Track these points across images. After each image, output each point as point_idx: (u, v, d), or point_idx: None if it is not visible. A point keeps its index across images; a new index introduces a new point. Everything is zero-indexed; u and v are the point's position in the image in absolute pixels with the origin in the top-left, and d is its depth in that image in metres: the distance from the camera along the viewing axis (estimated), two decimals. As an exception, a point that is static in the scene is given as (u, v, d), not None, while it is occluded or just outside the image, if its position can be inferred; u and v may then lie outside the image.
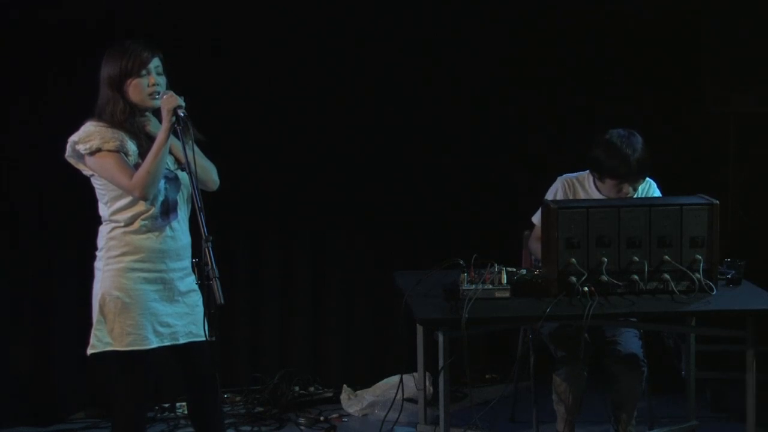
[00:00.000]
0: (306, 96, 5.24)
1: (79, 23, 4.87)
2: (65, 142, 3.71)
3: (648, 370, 4.24)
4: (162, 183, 3.68)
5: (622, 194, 4.29)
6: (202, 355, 3.78)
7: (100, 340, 3.68)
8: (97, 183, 3.71)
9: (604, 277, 3.92)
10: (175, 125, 3.61)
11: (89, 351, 3.71)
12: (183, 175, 3.72)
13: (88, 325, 4.90)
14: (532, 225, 4.50)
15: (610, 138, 4.26)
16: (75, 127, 3.74)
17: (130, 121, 3.69)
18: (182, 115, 3.61)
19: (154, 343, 3.68)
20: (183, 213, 3.78)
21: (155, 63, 3.70)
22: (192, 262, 3.76)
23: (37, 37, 4.87)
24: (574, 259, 3.92)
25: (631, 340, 4.24)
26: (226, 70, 5.10)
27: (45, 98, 4.91)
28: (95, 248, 3.81)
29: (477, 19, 5.33)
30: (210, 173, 3.81)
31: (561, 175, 4.49)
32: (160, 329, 3.70)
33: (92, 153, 3.63)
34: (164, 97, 3.65)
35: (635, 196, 4.33)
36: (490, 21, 5.34)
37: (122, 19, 4.90)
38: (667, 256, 3.95)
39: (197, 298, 3.78)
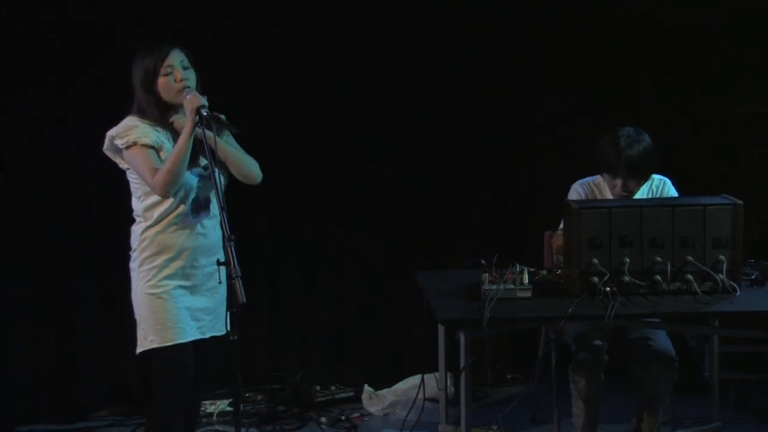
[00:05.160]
0: (324, 98, 5.24)
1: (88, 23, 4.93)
2: (91, 140, 3.75)
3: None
4: (195, 181, 3.72)
5: (621, 192, 4.24)
6: (213, 355, 3.84)
7: (145, 338, 3.74)
8: (132, 177, 3.76)
9: (627, 278, 3.90)
10: (198, 125, 3.64)
11: (138, 350, 3.77)
12: (217, 173, 3.72)
13: (111, 323, 4.99)
14: (554, 225, 4.49)
15: (614, 133, 4.24)
16: (97, 124, 3.77)
17: (170, 118, 3.72)
18: (205, 114, 3.64)
19: (191, 336, 3.74)
20: (216, 210, 3.80)
21: (179, 58, 3.72)
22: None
23: (66, 36, 4.92)
24: (596, 260, 3.90)
25: (663, 338, 4.22)
26: (246, 72, 5.11)
27: (69, 93, 4.95)
28: (119, 246, 3.85)
29: (497, 19, 5.32)
30: (252, 168, 3.84)
31: (577, 179, 4.47)
32: (194, 322, 3.76)
33: (128, 147, 3.66)
34: (187, 97, 3.67)
35: (638, 196, 4.31)
36: (508, 20, 5.33)
37: (121, 21, 4.93)
38: (690, 257, 3.92)
39: (223, 294, 3.81)
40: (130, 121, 3.73)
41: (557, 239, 4.25)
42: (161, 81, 3.70)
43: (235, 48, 5.04)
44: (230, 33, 5.05)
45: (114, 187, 3.92)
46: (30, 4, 4.88)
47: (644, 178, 4.27)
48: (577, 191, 4.43)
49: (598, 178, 4.40)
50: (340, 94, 5.24)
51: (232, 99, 5.01)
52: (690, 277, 3.91)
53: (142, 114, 3.73)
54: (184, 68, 3.73)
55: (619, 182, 4.25)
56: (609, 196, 4.36)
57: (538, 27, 5.34)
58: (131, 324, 3.79)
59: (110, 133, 3.72)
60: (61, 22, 4.89)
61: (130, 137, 3.67)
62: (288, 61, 5.18)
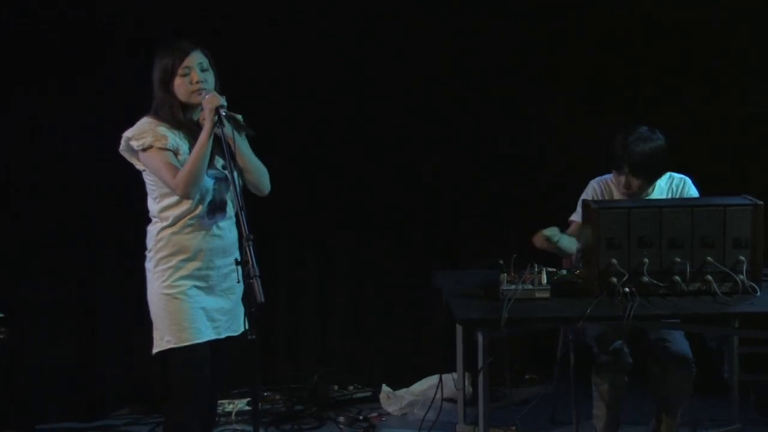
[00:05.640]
0: (324, 98, 5.21)
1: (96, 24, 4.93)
2: (109, 139, 3.77)
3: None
4: (211, 183, 3.72)
5: (622, 190, 4.22)
6: (228, 356, 3.85)
7: (161, 339, 3.74)
8: (148, 179, 3.77)
9: (646, 278, 3.89)
10: (217, 125, 3.65)
11: (154, 350, 3.77)
12: (230, 176, 3.73)
13: (131, 322, 5.02)
14: (557, 224, 4.45)
15: (626, 130, 4.20)
16: (115, 124, 3.79)
17: (187, 118, 3.73)
18: (224, 114, 3.65)
19: (207, 336, 3.74)
20: (232, 212, 3.81)
21: (198, 60, 3.73)
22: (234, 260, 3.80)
23: (68, 36, 4.92)
24: (615, 260, 3.89)
25: (681, 340, 4.20)
26: (246, 72, 5.08)
27: (82, 93, 4.96)
28: (137, 246, 3.86)
29: (497, 19, 5.30)
30: (262, 176, 3.83)
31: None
32: (209, 323, 3.77)
33: (144, 150, 3.68)
34: (206, 97, 3.69)
35: (657, 195, 4.28)
36: (508, 20, 5.31)
37: (121, 21, 4.93)
38: (709, 257, 3.90)
39: (239, 295, 3.82)
40: (146, 122, 3.73)
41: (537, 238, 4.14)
42: (177, 81, 3.71)
43: (235, 48, 5.04)
44: (230, 33, 5.04)
45: (130, 187, 3.93)
46: (30, 4, 4.88)
47: (648, 178, 4.22)
48: (593, 188, 4.41)
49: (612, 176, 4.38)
50: (340, 94, 5.23)
51: (232, 99, 5.04)
52: (710, 277, 3.90)
53: (158, 115, 3.74)
54: (203, 70, 3.74)
55: (622, 179, 4.22)
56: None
57: (538, 27, 5.33)
58: (150, 323, 3.81)
59: (126, 134, 3.73)
60: (61, 22, 4.89)
61: (145, 140, 3.68)
62: (288, 61, 5.18)
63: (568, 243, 4.17)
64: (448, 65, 5.32)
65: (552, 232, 4.08)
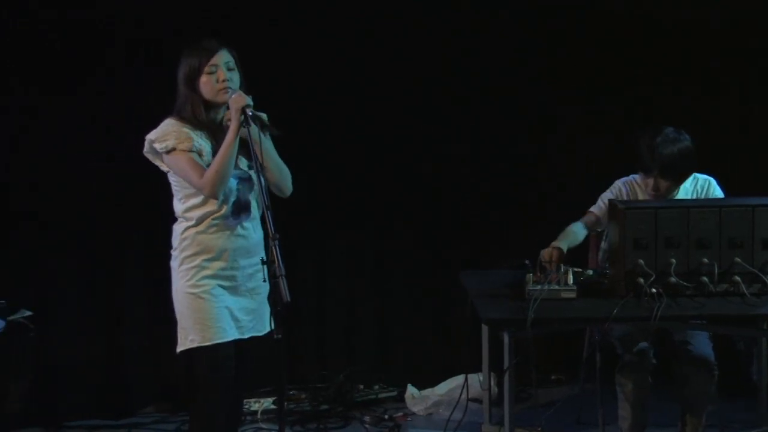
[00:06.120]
0: (324, 98, 5.20)
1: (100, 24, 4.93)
2: (137, 140, 3.79)
3: (719, 374, 4.18)
4: (235, 183, 3.74)
5: (651, 192, 4.21)
6: (252, 356, 3.86)
7: (185, 338, 3.76)
8: (172, 179, 3.79)
9: (673, 279, 3.86)
10: (244, 125, 3.66)
11: (178, 349, 3.79)
12: (256, 176, 3.74)
13: (158, 320, 5.04)
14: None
15: (653, 131, 4.19)
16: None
17: (209, 118, 3.74)
18: (250, 114, 3.66)
19: (231, 336, 3.75)
20: (256, 212, 3.83)
21: (225, 59, 3.75)
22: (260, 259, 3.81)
23: (74, 36, 4.92)
24: (641, 260, 3.87)
25: (703, 342, 4.18)
26: (246, 72, 5.06)
27: (96, 94, 4.96)
28: (163, 245, 3.88)
29: (497, 19, 5.29)
30: (285, 177, 3.83)
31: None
32: (234, 322, 3.77)
33: (167, 152, 3.69)
34: (233, 96, 3.70)
35: (682, 196, 4.25)
36: (508, 20, 5.30)
37: (121, 21, 4.93)
38: (738, 258, 3.88)
39: (264, 295, 3.83)
40: (169, 124, 3.74)
41: (548, 252, 4.10)
42: (203, 79, 3.72)
43: (235, 48, 5.05)
44: (230, 33, 5.01)
45: (157, 187, 3.94)
46: (30, 4, 4.89)
47: (676, 180, 4.21)
48: (618, 188, 4.40)
49: (638, 177, 4.37)
50: (340, 94, 5.22)
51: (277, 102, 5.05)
52: (738, 278, 3.87)
53: (180, 115, 3.74)
54: (229, 69, 3.75)
55: (650, 181, 4.20)
56: (648, 196, 4.32)
57: (538, 27, 5.32)
58: (176, 322, 3.82)
59: (149, 136, 3.74)
60: (61, 22, 4.89)
61: (168, 142, 3.69)
62: (288, 61, 5.17)
63: (579, 234, 4.22)
64: (448, 65, 5.31)
65: (561, 243, 4.10)
